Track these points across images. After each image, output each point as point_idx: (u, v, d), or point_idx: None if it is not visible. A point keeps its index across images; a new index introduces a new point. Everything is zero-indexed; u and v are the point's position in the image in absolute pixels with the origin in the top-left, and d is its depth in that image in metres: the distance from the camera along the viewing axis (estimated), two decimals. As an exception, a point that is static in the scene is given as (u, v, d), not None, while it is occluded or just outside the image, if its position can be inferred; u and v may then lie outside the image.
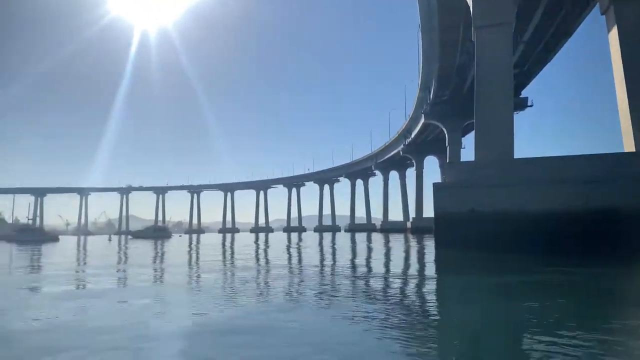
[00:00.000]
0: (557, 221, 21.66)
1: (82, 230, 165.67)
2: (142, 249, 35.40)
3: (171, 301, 9.28)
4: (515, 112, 54.49)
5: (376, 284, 11.67)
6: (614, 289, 10.94)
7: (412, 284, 11.83)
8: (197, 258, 23.75)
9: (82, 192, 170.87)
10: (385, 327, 6.38)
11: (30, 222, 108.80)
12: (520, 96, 53.85)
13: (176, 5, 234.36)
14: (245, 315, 7.44)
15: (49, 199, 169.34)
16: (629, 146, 23.89)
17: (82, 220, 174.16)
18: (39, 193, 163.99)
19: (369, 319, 6.88)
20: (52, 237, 74.03)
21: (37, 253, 30.80)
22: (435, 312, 8.07)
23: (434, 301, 9.41)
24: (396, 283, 11.89)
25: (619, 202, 20.82)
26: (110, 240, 74.54)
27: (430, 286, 11.71)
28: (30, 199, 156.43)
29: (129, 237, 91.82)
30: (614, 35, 25.21)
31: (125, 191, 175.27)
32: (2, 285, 12.49)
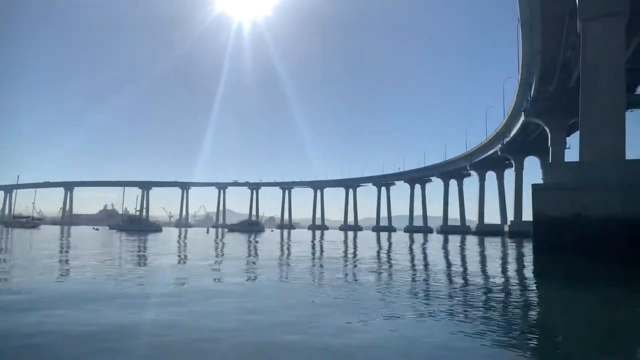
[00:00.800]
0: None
1: (183, 223, 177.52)
2: (238, 242, 37.24)
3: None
4: (629, 110, 50.13)
5: (475, 290, 11.34)
6: None
7: (512, 292, 11.39)
8: (317, 256, 24.51)
9: (184, 186, 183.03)
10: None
11: (138, 213, 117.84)
12: (636, 93, 49.24)
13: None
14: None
15: (154, 192, 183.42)
16: None
17: (183, 213, 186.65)
18: (146, 186, 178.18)
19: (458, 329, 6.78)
20: (156, 227, 79.94)
21: (144, 243, 33.45)
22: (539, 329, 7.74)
23: (538, 315, 9.00)
24: (495, 291, 11.51)
25: None
26: (208, 232, 79.11)
27: (532, 296, 11.21)
28: (138, 191, 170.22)
29: (225, 230, 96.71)
30: None
31: (222, 186, 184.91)
32: (120, 275, 13.77)
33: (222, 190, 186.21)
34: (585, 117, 25.76)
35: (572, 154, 58.69)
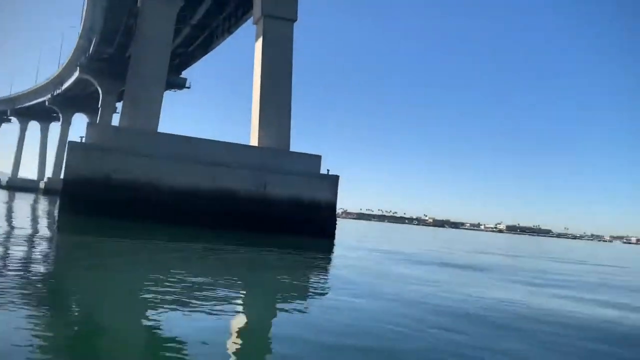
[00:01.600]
0: (189, 196, 23.56)
1: None
2: None
3: None
4: (173, 90, 56.45)
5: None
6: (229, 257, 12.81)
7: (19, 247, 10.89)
8: None
9: None
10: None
11: None
12: (181, 76, 55.84)
13: None
14: None
15: None
16: (254, 140, 28.08)
17: None
18: None
19: None
20: None
21: None
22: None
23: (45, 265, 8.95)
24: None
25: (237, 186, 24.34)
26: None
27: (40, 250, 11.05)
28: None
29: None
30: (259, 45, 29.08)
31: None
32: None
33: None
34: (130, 87, 27.35)
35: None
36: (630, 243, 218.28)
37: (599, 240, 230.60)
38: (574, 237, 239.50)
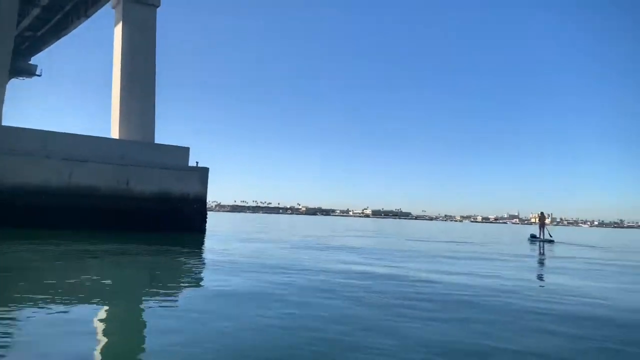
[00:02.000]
0: (39, 194, 21.57)
1: None
2: None
3: None
4: (20, 78, 50.64)
5: None
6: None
7: None
8: None
9: None
10: None
11: None
12: (30, 62, 50.48)
13: None
14: None
15: None
16: (115, 133, 26.55)
17: None
18: None
19: None
20: None
21: None
22: None
23: None
24: None
25: (96, 182, 22.88)
26: None
27: None
28: None
29: None
30: (118, 30, 27.41)
31: None
32: None
33: None
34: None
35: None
36: (476, 222, 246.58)
37: (451, 220, 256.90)
38: (431, 219, 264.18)
